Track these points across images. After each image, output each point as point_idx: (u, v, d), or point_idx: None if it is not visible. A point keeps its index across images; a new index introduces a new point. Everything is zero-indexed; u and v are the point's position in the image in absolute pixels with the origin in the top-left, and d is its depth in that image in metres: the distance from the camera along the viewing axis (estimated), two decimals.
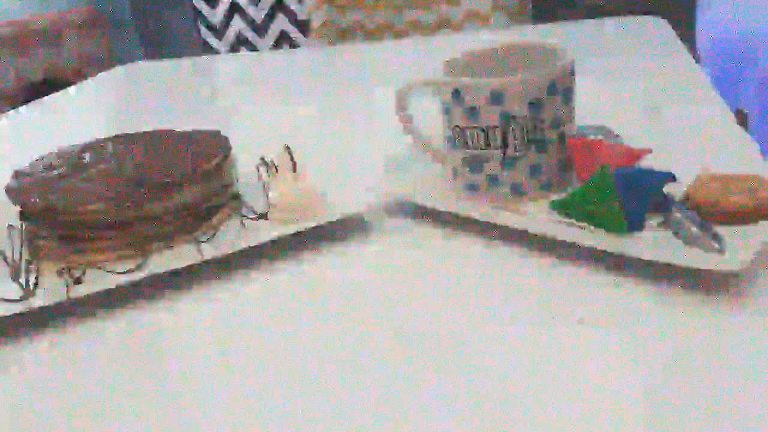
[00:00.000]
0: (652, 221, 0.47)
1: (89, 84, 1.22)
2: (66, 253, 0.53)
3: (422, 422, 0.34)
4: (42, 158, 0.61)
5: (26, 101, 2.57)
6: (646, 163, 0.57)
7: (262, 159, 0.64)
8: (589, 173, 0.50)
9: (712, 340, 0.37)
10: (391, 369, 0.39)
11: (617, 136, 0.58)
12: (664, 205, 0.46)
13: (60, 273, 0.51)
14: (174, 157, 0.57)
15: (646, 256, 0.42)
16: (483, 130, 0.51)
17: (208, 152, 0.58)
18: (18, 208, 0.59)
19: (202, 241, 0.54)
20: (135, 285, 0.52)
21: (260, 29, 2.89)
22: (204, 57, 1.31)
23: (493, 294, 0.44)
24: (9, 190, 0.56)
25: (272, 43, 2.92)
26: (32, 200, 0.53)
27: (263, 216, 0.56)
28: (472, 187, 0.54)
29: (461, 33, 1.23)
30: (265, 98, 0.97)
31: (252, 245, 0.51)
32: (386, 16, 1.50)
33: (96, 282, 0.49)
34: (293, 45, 2.90)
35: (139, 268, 0.51)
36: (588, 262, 0.46)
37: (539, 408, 0.34)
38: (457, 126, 0.53)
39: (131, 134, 0.64)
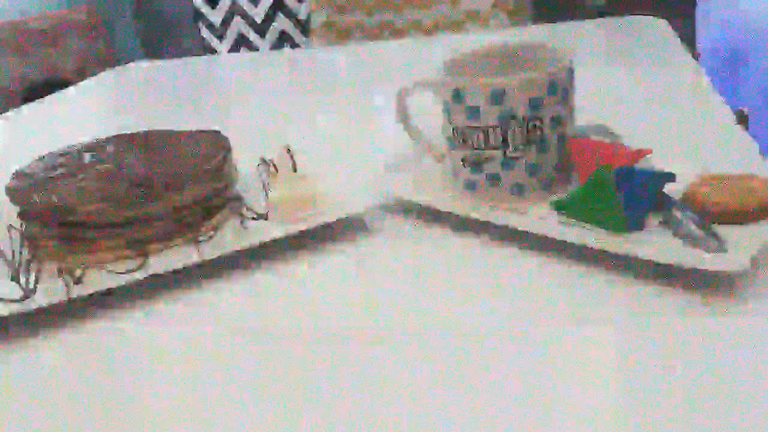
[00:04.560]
0: (652, 221, 0.47)
1: (89, 84, 1.22)
2: (66, 253, 0.53)
3: (421, 421, 0.34)
4: (42, 158, 0.61)
5: (26, 101, 2.57)
6: (646, 163, 0.57)
7: (262, 159, 0.64)
8: (589, 173, 0.50)
9: (712, 340, 0.37)
10: (391, 368, 0.39)
11: (617, 136, 0.58)
12: (664, 205, 0.46)
13: (60, 273, 0.51)
14: (174, 157, 0.57)
15: (646, 256, 0.42)
16: (483, 130, 0.51)
17: (208, 152, 0.58)
18: (18, 208, 0.59)
19: (202, 241, 0.54)
20: (135, 285, 0.52)
21: (260, 29, 2.89)
22: (204, 57, 1.31)
23: (493, 293, 0.44)
24: (9, 190, 0.56)
25: (272, 43, 2.92)
26: (32, 200, 0.53)
27: (263, 216, 0.56)
28: (472, 187, 0.54)
29: (461, 33, 1.23)
30: (265, 98, 0.97)
31: (252, 245, 0.51)
32: (386, 16, 1.50)
33: (96, 282, 0.49)
34: (293, 45, 2.90)
35: (139, 268, 0.51)
36: (588, 262, 0.46)
37: (539, 407, 0.34)
38: (457, 126, 0.53)
39: (131, 134, 0.64)
